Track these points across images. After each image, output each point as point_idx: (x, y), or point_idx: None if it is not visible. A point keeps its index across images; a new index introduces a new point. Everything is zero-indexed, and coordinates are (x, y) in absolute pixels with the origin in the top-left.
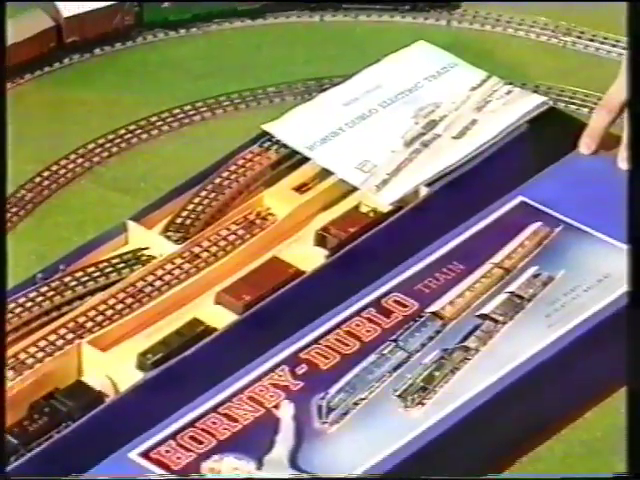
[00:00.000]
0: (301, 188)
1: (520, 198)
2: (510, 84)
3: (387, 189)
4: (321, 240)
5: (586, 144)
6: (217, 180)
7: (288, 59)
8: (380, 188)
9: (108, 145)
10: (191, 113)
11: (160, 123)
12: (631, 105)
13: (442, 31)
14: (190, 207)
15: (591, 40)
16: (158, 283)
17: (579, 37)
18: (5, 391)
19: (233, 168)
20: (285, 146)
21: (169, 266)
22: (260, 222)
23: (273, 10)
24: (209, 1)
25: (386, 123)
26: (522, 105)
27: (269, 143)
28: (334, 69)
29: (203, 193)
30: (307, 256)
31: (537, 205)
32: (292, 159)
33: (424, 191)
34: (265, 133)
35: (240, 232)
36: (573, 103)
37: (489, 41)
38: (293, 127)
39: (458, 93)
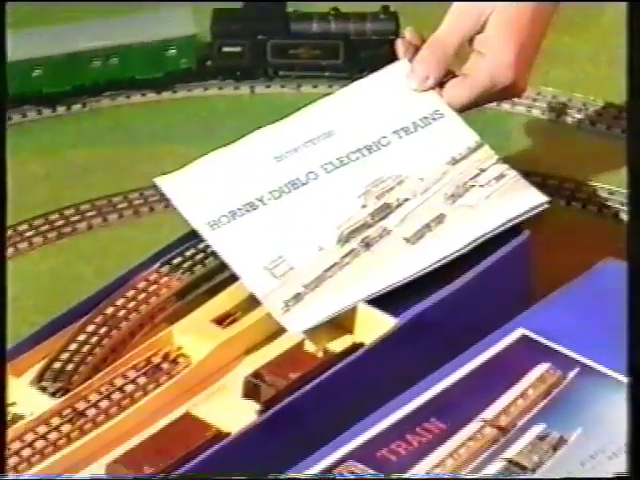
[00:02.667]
0: (224, 320)
1: (520, 330)
2: (505, 162)
3: (297, 310)
4: (252, 390)
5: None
6: (109, 310)
7: (206, 145)
8: (288, 308)
9: None
10: (74, 219)
11: (31, 233)
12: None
13: None
14: (73, 347)
15: (615, 118)
16: (27, 452)
17: (599, 114)
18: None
19: (131, 293)
20: (203, 264)
21: (43, 428)
22: (168, 367)
23: (185, 80)
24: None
25: (323, 199)
26: (513, 204)
27: (180, 259)
28: None
29: (90, 328)
30: (232, 412)
31: (543, 340)
32: (211, 281)
33: (391, 322)
34: (175, 245)
35: (141, 381)
36: (591, 201)
37: (477, 120)
38: (195, 187)
39: (431, 166)
